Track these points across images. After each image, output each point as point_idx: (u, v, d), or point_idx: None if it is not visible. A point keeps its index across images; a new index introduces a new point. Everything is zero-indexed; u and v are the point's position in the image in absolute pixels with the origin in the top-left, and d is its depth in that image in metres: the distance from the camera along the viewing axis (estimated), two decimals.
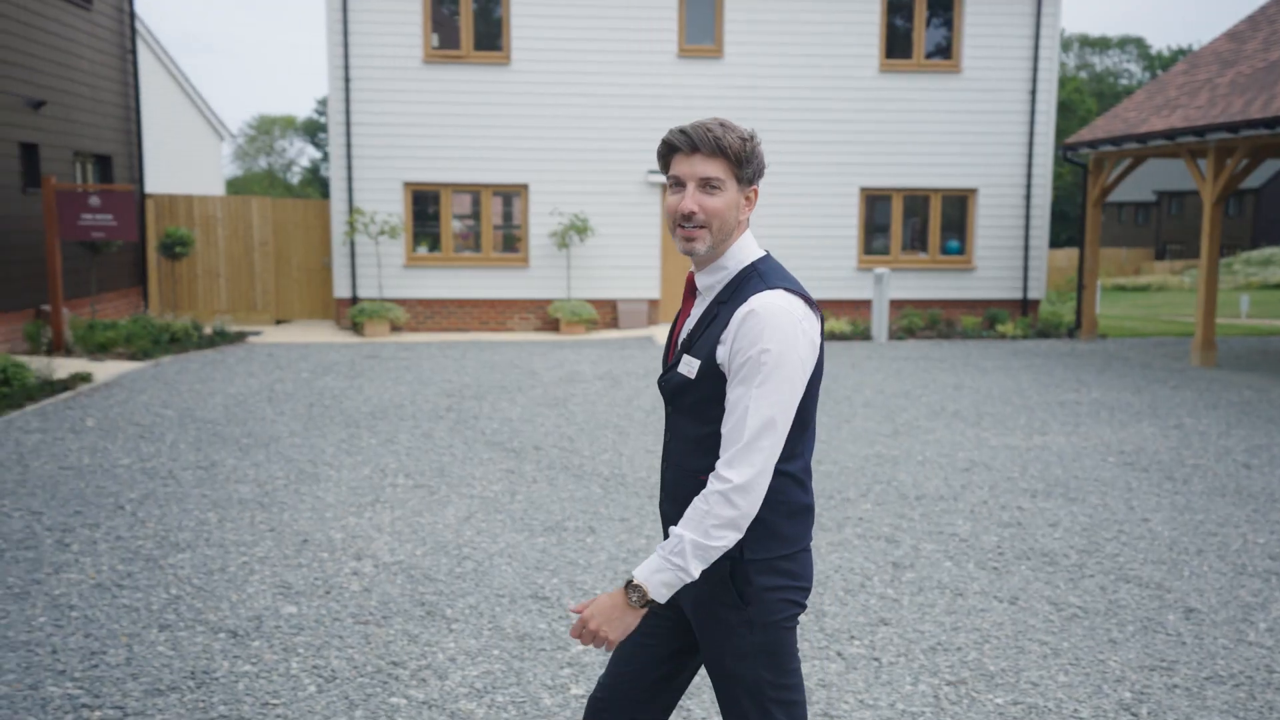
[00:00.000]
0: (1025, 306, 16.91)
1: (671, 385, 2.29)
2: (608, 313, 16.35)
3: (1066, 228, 47.89)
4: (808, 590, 2.29)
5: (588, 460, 7.58)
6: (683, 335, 2.32)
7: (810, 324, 2.19)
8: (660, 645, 2.38)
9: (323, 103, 51.75)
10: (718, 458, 2.18)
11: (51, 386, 9.85)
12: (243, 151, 59.75)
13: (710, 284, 2.28)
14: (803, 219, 16.42)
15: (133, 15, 16.29)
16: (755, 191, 2.26)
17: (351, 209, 15.65)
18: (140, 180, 16.33)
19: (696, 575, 2.12)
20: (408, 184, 15.90)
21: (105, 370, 11.28)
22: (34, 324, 12.44)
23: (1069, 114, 49.56)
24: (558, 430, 8.63)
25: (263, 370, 11.71)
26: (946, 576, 5.24)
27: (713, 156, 2.18)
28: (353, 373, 11.63)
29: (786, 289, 2.18)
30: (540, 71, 15.81)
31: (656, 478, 7.10)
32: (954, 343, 15.07)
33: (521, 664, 4.18)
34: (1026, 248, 16.78)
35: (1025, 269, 16.84)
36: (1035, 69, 16.37)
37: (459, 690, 3.96)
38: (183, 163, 22.29)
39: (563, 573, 5.24)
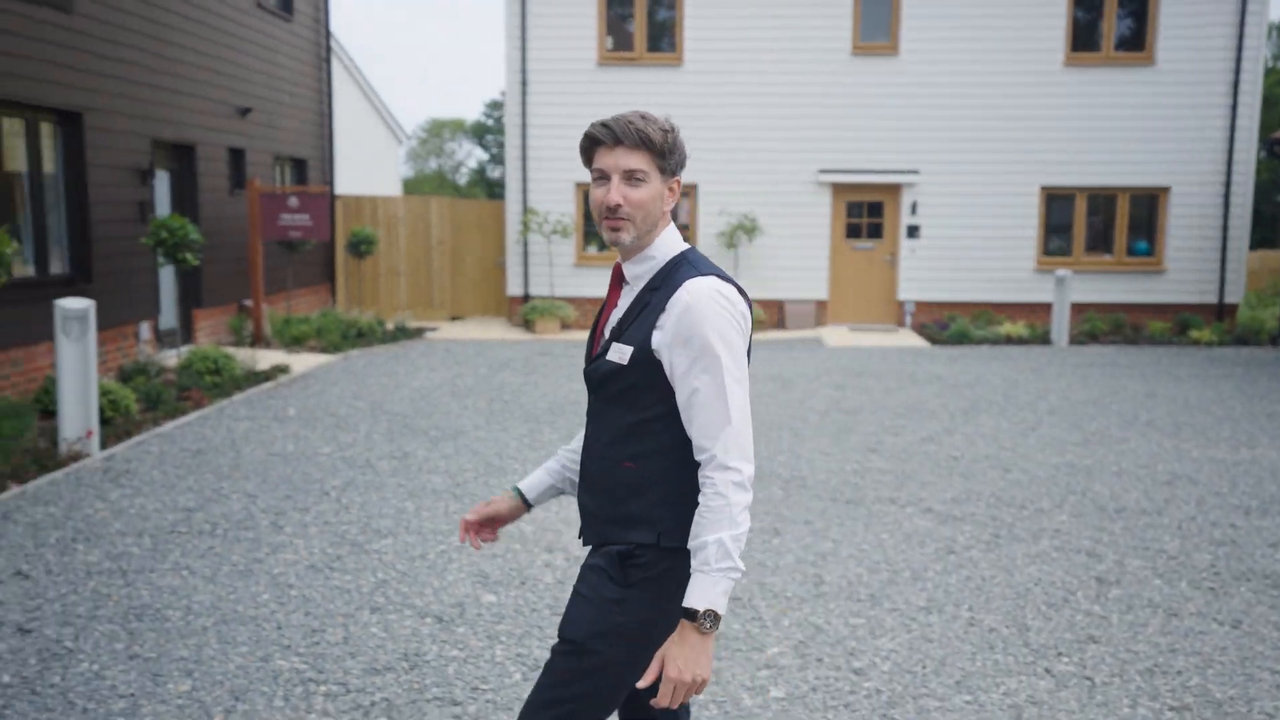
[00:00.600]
0: (1221, 311, 15.90)
1: (600, 374, 2.29)
2: (774, 313, 16.23)
3: (1260, 228, 44.73)
4: None
5: (765, 462, 7.54)
6: (610, 324, 2.33)
7: (744, 307, 2.23)
8: None
9: (491, 106, 53.20)
10: (648, 445, 2.22)
11: (255, 377, 10.50)
12: (415, 153, 62.15)
13: (639, 273, 2.29)
14: (978, 219, 15.90)
15: (328, 26, 17.18)
16: (678, 183, 2.29)
17: (526, 209, 16.06)
18: (331, 182, 17.21)
19: (744, 565, 2.14)
20: (579, 184, 16.19)
21: (300, 362, 11.94)
22: (237, 318, 13.29)
23: (1270, 107, 46.32)
24: None
25: (443, 365, 12.15)
26: (1158, 595, 4.98)
27: (636, 149, 2.20)
28: (527, 369, 11.94)
29: (718, 275, 2.22)
30: (712, 71, 15.84)
31: (838, 480, 7.01)
32: (1141, 349, 14.31)
33: (718, 664, 4.19)
34: (1224, 249, 15.78)
35: (1222, 272, 15.83)
36: (1238, 60, 15.36)
37: None
38: (365, 165, 23.37)
39: (752, 573, 5.23)
